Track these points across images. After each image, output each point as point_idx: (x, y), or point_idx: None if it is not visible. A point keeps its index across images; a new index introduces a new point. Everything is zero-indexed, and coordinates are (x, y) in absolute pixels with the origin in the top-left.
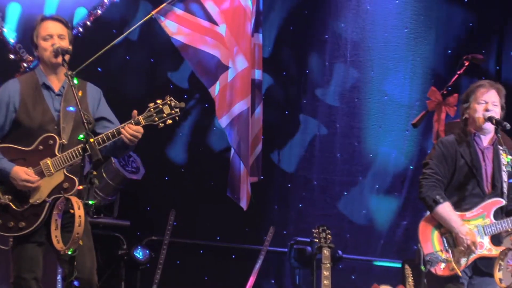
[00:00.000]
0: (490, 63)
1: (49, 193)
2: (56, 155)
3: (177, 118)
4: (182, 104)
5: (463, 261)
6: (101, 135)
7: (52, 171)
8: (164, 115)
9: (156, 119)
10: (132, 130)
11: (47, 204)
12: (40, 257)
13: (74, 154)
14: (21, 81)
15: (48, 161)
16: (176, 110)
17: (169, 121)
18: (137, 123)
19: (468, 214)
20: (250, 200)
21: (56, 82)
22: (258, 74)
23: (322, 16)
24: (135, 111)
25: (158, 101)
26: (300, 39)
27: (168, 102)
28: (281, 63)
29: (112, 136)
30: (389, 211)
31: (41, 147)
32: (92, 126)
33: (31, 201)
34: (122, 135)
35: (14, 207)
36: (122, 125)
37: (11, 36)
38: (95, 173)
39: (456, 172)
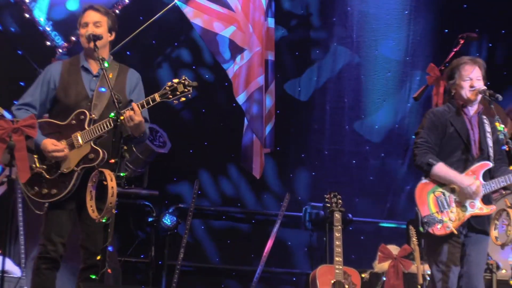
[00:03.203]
0: (483, 41)
1: (77, 163)
2: (85, 129)
3: (189, 95)
4: (195, 83)
5: (457, 220)
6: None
7: (81, 143)
8: (178, 93)
9: (170, 96)
10: (128, 114)
11: (76, 173)
12: (69, 224)
13: (101, 128)
14: (65, 63)
15: (78, 134)
16: (188, 88)
17: (183, 99)
18: (153, 100)
19: None
20: (263, 169)
21: (94, 65)
22: (270, 55)
23: (330, 1)
24: (133, 103)
25: (175, 81)
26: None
27: (183, 81)
28: (293, 45)
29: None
30: (394, 177)
31: (74, 121)
32: (122, 105)
33: (61, 170)
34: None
35: (46, 175)
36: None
37: (41, 16)
38: (125, 147)
39: (446, 138)
